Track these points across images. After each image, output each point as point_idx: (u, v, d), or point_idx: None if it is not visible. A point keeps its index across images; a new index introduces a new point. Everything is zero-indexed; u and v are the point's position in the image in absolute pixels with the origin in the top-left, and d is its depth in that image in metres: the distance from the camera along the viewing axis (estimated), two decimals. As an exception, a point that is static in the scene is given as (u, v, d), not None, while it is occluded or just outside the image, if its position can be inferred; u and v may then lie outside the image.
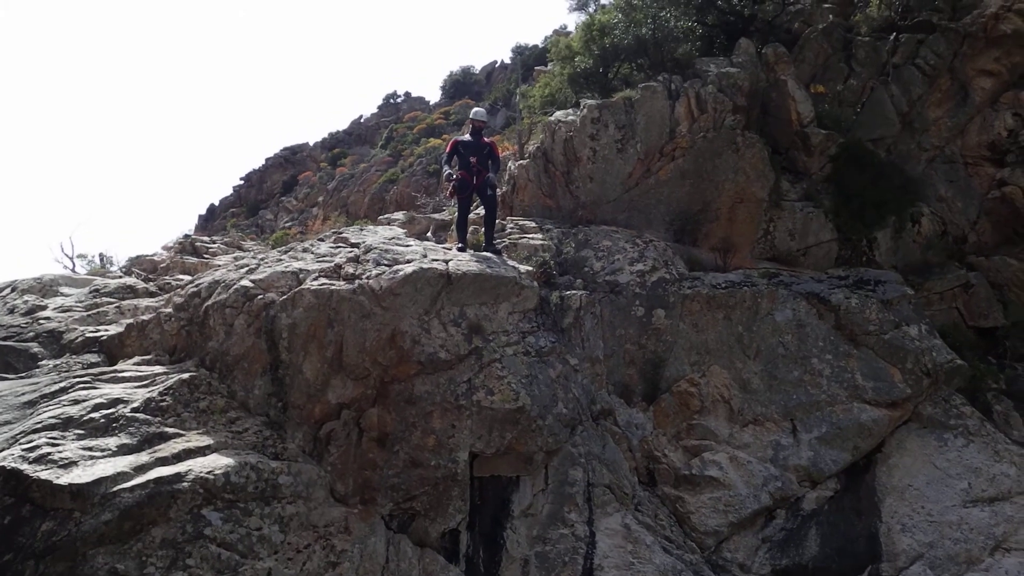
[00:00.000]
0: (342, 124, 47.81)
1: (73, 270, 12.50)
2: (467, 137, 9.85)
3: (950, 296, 10.57)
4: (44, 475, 6.07)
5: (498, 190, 10.31)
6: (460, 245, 9.38)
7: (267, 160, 37.68)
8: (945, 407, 9.01)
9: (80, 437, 6.65)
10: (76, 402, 7.07)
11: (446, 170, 9.88)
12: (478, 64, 40.11)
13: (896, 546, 8.01)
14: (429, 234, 11.07)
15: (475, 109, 10.40)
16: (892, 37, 12.26)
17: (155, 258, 12.51)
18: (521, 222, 10.81)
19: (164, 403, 7.23)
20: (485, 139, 9.81)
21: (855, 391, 8.83)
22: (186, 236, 16.00)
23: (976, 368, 9.43)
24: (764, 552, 8.06)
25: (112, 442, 6.67)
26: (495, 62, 37.79)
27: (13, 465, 6.10)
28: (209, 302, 8.17)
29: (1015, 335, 10.22)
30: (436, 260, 8.46)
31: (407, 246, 9.20)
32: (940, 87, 11.91)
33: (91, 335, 8.61)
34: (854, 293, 9.55)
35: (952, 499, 8.26)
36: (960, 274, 10.72)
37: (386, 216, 12.70)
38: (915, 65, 11.89)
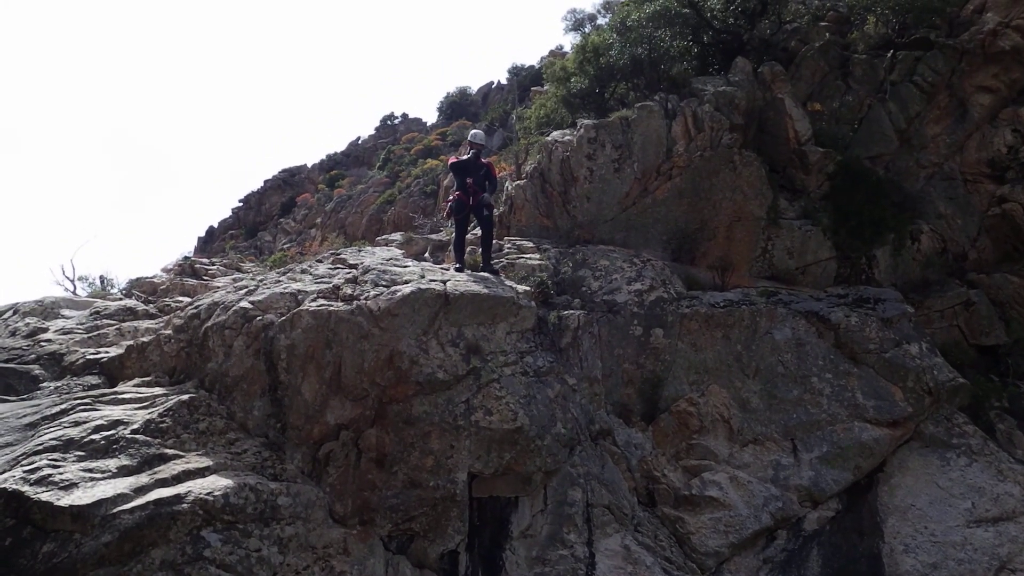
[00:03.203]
0: (340, 146, 48.35)
1: (74, 292, 12.59)
2: (465, 158, 9.93)
3: (951, 314, 10.53)
4: (45, 497, 6.10)
5: (495, 210, 10.37)
6: (458, 265, 9.43)
7: (265, 182, 37.96)
8: (947, 426, 8.96)
9: (80, 459, 6.68)
10: (77, 424, 7.11)
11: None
12: (475, 85, 40.44)
13: (899, 567, 7.93)
14: (427, 255, 11.13)
15: (472, 131, 10.40)
16: (889, 54, 12.33)
17: (155, 280, 12.59)
18: (518, 242, 10.86)
19: (164, 424, 7.27)
20: (482, 159, 9.90)
21: (856, 410, 8.79)
22: (186, 258, 16.13)
23: (978, 386, 9.40)
24: (765, 573, 7.99)
25: (112, 464, 6.71)
26: (491, 83, 37.96)
27: (14, 487, 6.14)
28: (208, 324, 8.22)
29: (1017, 353, 10.18)
30: (434, 280, 8.50)
31: (405, 267, 9.23)
32: (938, 104, 11.95)
33: (92, 357, 8.67)
34: (854, 311, 9.54)
35: (955, 519, 8.19)
36: (961, 292, 10.67)
37: (384, 237, 12.78)
38: (913, 82, 11.94)
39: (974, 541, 7.99)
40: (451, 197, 9.71)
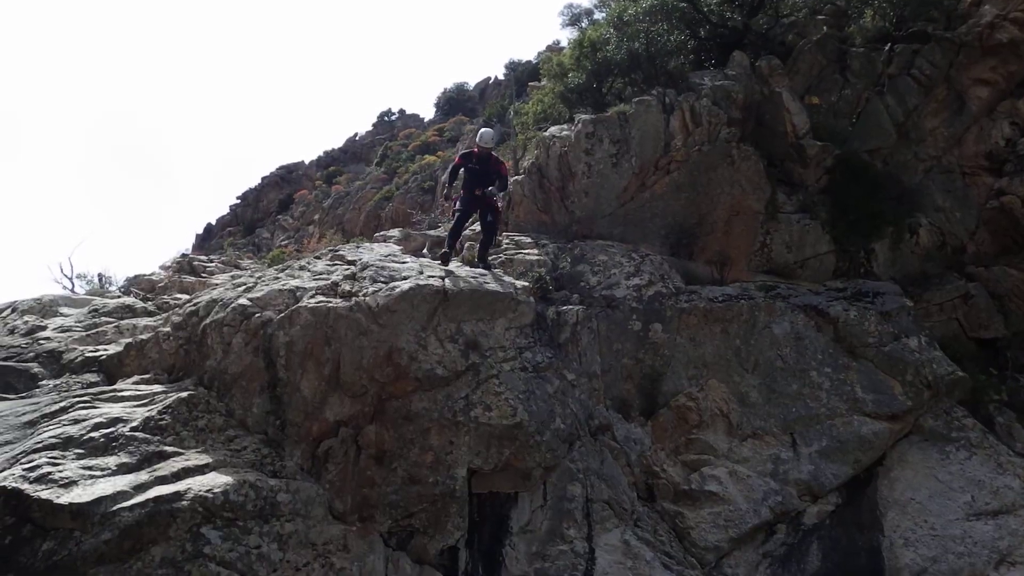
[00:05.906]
0: (337, 142, 48.23)
1: (72, 290, 12.56)
2: (474, 160, 9.68)
3: (950, 307, 10.50)
4: (45, 495, 6.11)
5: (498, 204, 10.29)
6: (444, 251, 9.32)
7: (263, 179, 37.88)
8: (947, 419, 8.96)
9: (80, 456, 6.68)
10: (76, 422, 7.11)
11: (445, 184, 9.98)
12: (472, 80, 40.27)
13: (899, 560, 7.95)
14: (425, 251, 11.11)
15: (481, 131, 9.96)
16: (887, 47, 12.28)
17: (153, 277, 12.57)
18: (517, 237, 10.84)
19: (163, 422, 7.27)
20: (493, 155, 9.81)
21: (855, 404, 8.79)
22: (184, 255, 16.00)
23: (977, 380, 9.36)
24: (765, 568, 8.01)
25: (112, 461, 6.71)
26: (489, 78, 37.76)
27: (14, 485, 6.14)
28: (207, 321, 8.21)
29: (1016, 346, 10.16)
30: (432, 276, 8.49)
31: (403, 263, 9.22)
32: (936, 97, 11.89)
33: (90, 355, 8.65)
34: (852, 305, 9.53)
35: (955, 512, 8.20)
36: (959, 285, 10.63)
37: (382, 233, 12.78)
38: (910, 75, 11.89)
39: (974, 534, 8.01)
40: (456, 202, 9.71)
